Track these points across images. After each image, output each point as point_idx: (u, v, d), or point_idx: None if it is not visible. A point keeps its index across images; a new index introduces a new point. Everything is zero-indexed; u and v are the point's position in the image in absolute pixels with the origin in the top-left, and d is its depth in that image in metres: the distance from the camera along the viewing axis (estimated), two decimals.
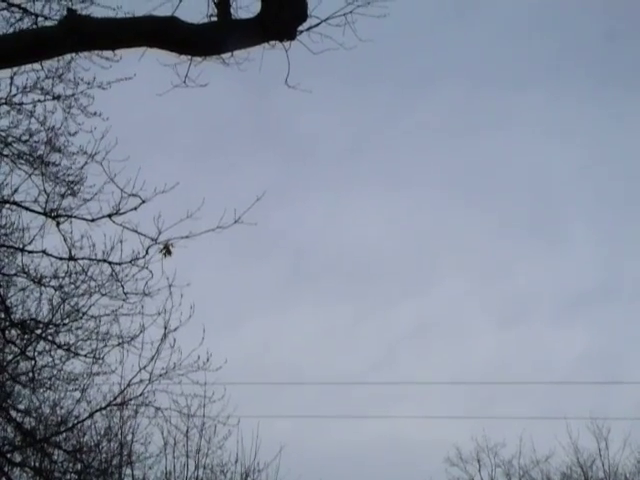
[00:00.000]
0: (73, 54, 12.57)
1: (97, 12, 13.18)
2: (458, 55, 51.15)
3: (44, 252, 15.32)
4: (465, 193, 52.65)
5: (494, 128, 53.56)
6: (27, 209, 15.31)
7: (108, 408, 18.01)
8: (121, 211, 14.45)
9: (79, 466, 17.48)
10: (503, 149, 52.29)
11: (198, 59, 10.44)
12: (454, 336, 51.10)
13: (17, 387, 17.61)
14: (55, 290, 16.19)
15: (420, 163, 53.48)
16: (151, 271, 15.14)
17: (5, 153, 15.65)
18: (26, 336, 16.53)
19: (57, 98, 15.28)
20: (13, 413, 17.37)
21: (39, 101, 15.39)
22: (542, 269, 53.39)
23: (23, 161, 15.60)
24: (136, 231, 14.49)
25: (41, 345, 16.72)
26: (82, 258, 15.41)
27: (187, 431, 22.74)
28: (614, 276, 52.26)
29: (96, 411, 17.81)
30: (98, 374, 17.52)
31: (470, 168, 52.42)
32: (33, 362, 16.61)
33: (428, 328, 50.44)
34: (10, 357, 16.95)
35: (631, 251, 51.19)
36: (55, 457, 17.45)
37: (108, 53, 11.25)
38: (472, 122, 52.23)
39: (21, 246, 15.64)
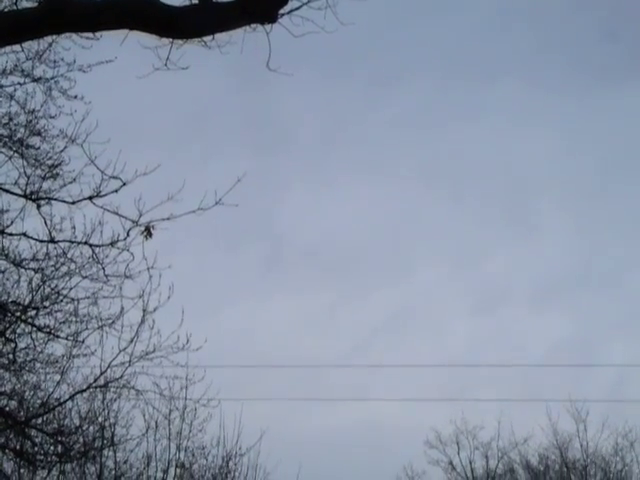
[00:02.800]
0: (54, 36, 12.51)
1: None
2: (431, 47, 51.56)
3: (24, 235, 15.29)
4: (440, 182, 53.21)
5: (468, 119, 54.09)
6: (7, 192, 15.26)
7: (89, 390, 18.04)
8: (102, 193, 14.39)
9: (60, 448, 17.49)
10: (477, 139, 52.78)
11: (179, 42, 10.44)
12: (431, 323, 51.65)
13: None
14: (35, 272, 16.16)
15: (396, 153, 53.92)
16: (132, 253, 15.11)
17: None
18: (6, 318, 16.50)
19: (37, 80, 15.21)
20: None
21: (19, 84, 15.33)
22: (517, 256, 54.05)
23: (2, 144, 15.53)
24: (117, 213, 14.46)
25: (21, 328, 16.70)
26: (62, 240, 15.38)
27: (169, 413, 22.83)
28: (587, 263, 52.89)
29: (76, 393, 17.81)
30: (78, 356, 17.54)
31: (445, 158, 52.93)
32: (13, 345, 16.59)
33: (405, 315, 50.88)
34: None
35: (603, 239, 51.81)
36: (36, 439, 17.46)
37: (89, 34, 11.18)
38: (446, 112, 52.80)
39: (1, 229, 15.60)
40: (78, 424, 19.02)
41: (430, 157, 54.32)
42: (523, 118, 53.44)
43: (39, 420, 17.38)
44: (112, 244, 15.10)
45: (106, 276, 15.79)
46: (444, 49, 51.45)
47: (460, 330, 51.38)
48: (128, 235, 14.66)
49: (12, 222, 15.44)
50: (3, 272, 16.62)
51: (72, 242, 15.41)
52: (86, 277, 16.08)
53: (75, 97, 15.24)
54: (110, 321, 16.70)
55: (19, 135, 15.53)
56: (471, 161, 52.95)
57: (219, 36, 10.40)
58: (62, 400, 17.80)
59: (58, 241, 15.35)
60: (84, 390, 17.89)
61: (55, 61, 14.91)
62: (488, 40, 52.90)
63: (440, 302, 53.47)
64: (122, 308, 16.62)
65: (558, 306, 53.20)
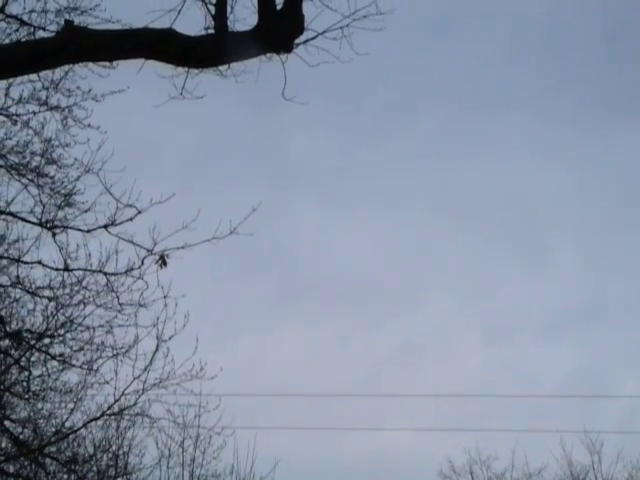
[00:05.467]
0: (71, 65, 12.57)
1: (93, 21, 13.28)
2: (443, 78, 51.58)
3: (39, 263, 15.34)
4: (451, 215, 52.95)
5: (479, 150, 53.89)
6: (23, 220, 15.32)
7: (102, 418, 18.03)
8: (117, 222, 14.45)
9: (73, 477, 17.48)
10: (488, 171, 52.51)
11: (195, 71, 10.49)
12: (443, 353, 51.28)
13: (11, 398, 17.60)
14: (50, 300, 16.20)
15: (407, 184, 53.65)
16: (146, 282, 15.16)
17: (0, 164, 15.66)
18: (20, 346, 16.53)
19: (53, 109, 15.29)
20: (7, 423, 17.37)
21: (33, 113, 15.40)
22: (527, 289, 53.64)
23: (17, 172, 15.60)
24: (132, 242, 14.49)
25: (35, 356, 16.72)
26: (77, 269, 15.42)
27: (182, 442, 22.81)
28: (598, 295, 52.44)
29: (90, 421, 17.80)
30: (92, 384, 17.55)
31: (456, 190, 52.68)
32: (27, 373, 16.61)
33: (418, 345, 50.54)
34: (4, 368, 16.95)
35: (614, 271, 51.49)
36: (50, 468, 17.44)
37: (105, 63, 11.25)
38: (457, 144, 52.56)
39: (17, 257, 15.66)
40: (92, 452, 19.02)
41: (442, 189, 54.21)
42: (535, 151, 53.33)
43: (53, 448, 17.37)
44: (127, 272, 15.15)
45: (120, 304, 15.84)
46: (456, 81, 51.42)
47: (473, 361, 51.11)
48: (143, 264, 14.72)
49: (27, 250, 15.53)
50: (18, 300, 16.68)
51: (87, 270, 15.47)
52: (101, 305, 16.12)
53: (89, 125, 15.30)
54: (124, 349, 16.73)
55: (35, 164, 15.62)
56: (483, 193, 52.83)
57: (234, 65, 10.47)
58: (76, 428, 17.79)
59: (73, 269, 15.40)
60: (98, 418, 17.88)
61: (70, 90, 15.01)
62: (500, 72, 52.86)
63: (452, 333, 53.22)
64: (136, 336, 16.65)
65: (570, 338, 52.89)
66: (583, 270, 52.40)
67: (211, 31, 10.13)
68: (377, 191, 52.95)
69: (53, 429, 17.58)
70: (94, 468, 18.71)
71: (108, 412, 17.53)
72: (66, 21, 10.50)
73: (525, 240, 53.02)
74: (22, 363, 16.52)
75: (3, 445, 17.64)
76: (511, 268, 54.91)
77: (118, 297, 15.70)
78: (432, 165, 55.41)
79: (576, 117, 54.30)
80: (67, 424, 17.67)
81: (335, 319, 51.86)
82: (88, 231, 14.91)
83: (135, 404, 17.25)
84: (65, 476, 17.57)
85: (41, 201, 15.23)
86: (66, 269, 15.36)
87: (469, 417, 45.09)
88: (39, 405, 17.72)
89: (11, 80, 14.04)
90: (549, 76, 52.38)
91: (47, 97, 15.16)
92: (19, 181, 15.52)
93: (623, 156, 51.58)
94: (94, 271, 15.42)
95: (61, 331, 16.43)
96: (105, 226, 14.60)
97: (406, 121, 54.02)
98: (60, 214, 15.31)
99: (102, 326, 16.49)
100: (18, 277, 15.88)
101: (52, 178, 15.57)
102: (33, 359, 16.73)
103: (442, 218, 52.52)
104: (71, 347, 16.58)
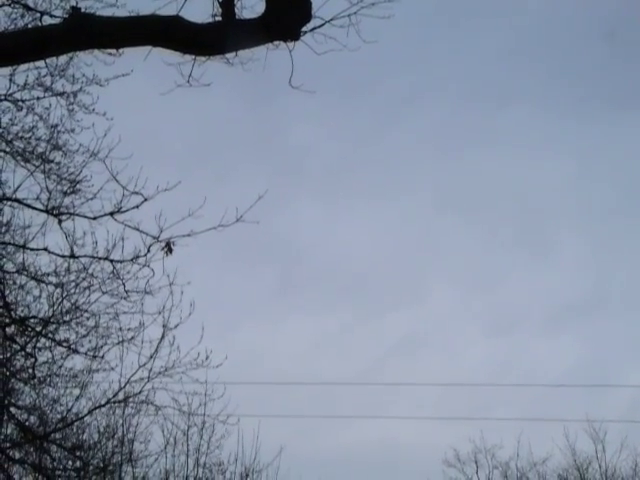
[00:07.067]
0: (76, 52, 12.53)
1: (99, 6, 13.24)
2: (445, 71, 51.66)
3: (45, 249, 15.32)
4: (454, 206, 53.08)
5: (482, 142, 54.00)
6: (29, 206, 15.31)
7: (107, 405, 18.08)
8: (123, 209, 14.39)
9: (78, 463, 17.52)
10: (491, 163, 52.64)
11: (202, 59, 10.44)
12: (446, 344, 51.43)
13: (17, 384, 17.63)
14: (55, 287, 16.21)
15: (410, 176, 53.80)
16: (152, 269, 15.12)
17: (6, 150, 15.65)
18: (26, 333, 16.54)
19: (59, 94, 15.27)
20: (13, 410, 17.41)
21: (37, 98, 15.38)
22: (530, 280, 53.73)
23: (23, 158, 15.58)
24: (138, 229, 14.44)
25: (41, 342, 16.73)
26: (83, 256, 15.39)
27: (187, 429, 22.84)
28: (602, 286, 52.48)
29: (95, 408, 17.87)
30: (98, 371, 17.59)
31: (459, 181, 52.80)
32: (33, 359, 16.62)
33: (420, 336, 50.71)
34: (10, 354, 16.97)
35: (618, 262, 51.58)
36: (55, 454, 17.48)
37: (111, 51, 11.22)
38: (460, 136, 52.77)
39: (22, 243, 15.66)
40: (97, 439, 19.09)
41: (445, 181, 54.33)
42: (537, 143, 53.40)
43: (58, 435, 17.41)
44: (133, 260, 15.11)
45: (126, 292, 15.81)
46: (459, 72, 51.56)
47: (476, 352, 51.19)
48: (149, 251, 14.65)
49: (33, 237, 15.53)
50: (24, 287, 16.69)
51: (93, 257, 15.42)
52: (106, 292, 16.13)
53: (93, 110, 15.28)
54: (130, 336, 16.75)
55: (40, 150, 15.60)
56: (486, 185, 52.85)
57: (241, 53, 10.42)
58: (81, 415, 17.87)
59: (79, 256, 15.36)
60: (103, 405, 17.96)
61: (74, 76, 14.99)
62: (503, 65, 52.97)
63: (455, 324, 53.39)
64: (142, 323, 16.66)
65: (574, 328, 53.05)
66: (585, 261, 52.51)
67: (218, 18, 10.08)
68: (380, 183, 53.07)
69: (58, 416, 17.66)
70: (99, 454, 18.78)
71: (113, 399, 17.59)
72: (73, 8, 10.42)
73: (527, 232, 53.12)
74: (28, 349, 16.53)
75: (9, 431, 17.70)
76: (514, 260, 54.96)
77: (124, 284, 15.69)
78: (434, 157, 55.58)
79: (577, 109, 54.45)
80: (72, 411, 17.75)
81: (339, 309, 52.04)
82: (94, 218, 14.88)
83: (140, 392, 17.28)
84: (70, 462, 17.61)
85: (47, 188, 15.22)
86: (72, 256, 15.33)
87: (474, 406, 45.20)
88: (45, 391, 17.76)
89: (16, 66, 14.00)
90: (550, 69, 52.46)
91: (52, 83, 15.17)
92: (25, 167, 15.53)
93: (624, 147, 51.66)
94: (100, 258, 15.39)
95: (67, 317, 16.45)
96: (111, 213, 14.55)
97: (409, 113, 54.16)
98: (66, 201, 15.32)
99: (108, 313, 16.54)
100: (24, 263, 15.91)
101: (58, 164, 15.57)
102: (39, 345, 16.73)
103: (444, 210, 52.65)
104: (77, 333, 16.62)
